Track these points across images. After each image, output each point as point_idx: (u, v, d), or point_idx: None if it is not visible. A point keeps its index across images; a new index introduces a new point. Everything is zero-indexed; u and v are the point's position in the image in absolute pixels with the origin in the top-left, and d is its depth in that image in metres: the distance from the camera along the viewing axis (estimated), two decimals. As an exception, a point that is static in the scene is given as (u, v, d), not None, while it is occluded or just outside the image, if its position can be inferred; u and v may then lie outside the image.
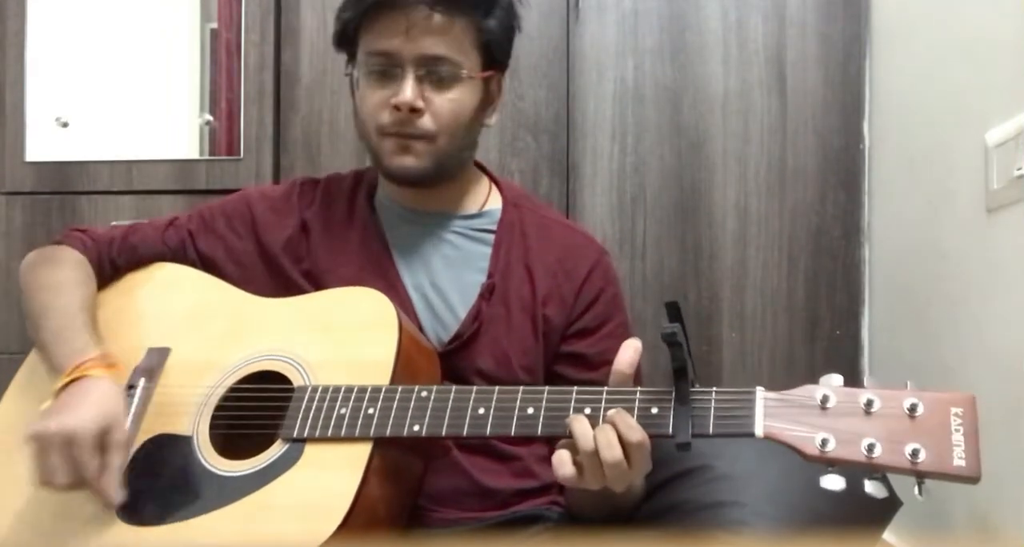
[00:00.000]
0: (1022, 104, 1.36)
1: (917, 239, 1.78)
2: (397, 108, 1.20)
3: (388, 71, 1.21)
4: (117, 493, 1.07)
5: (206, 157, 2.12)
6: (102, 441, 1.08)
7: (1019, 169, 1.35)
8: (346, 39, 1.27)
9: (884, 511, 1.27)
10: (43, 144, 2.10)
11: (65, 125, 2.11)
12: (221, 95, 2.11)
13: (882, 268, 2.00)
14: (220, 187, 2.04)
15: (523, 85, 2.07)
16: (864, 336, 2.03)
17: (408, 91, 1.19)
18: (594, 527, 1.20)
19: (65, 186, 2.09)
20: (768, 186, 2.05)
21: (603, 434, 0.96)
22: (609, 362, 1.03)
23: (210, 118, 2.13)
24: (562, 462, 0.98)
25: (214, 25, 2.13)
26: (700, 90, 2.06)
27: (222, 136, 2.11)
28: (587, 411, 0.99)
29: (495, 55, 1.27)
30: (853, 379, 2.18)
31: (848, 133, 2.05)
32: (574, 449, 0.97)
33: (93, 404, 1.09)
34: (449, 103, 1.22)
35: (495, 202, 1.34)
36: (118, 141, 2.12)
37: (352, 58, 1.28)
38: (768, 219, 2.04)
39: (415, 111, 1.20)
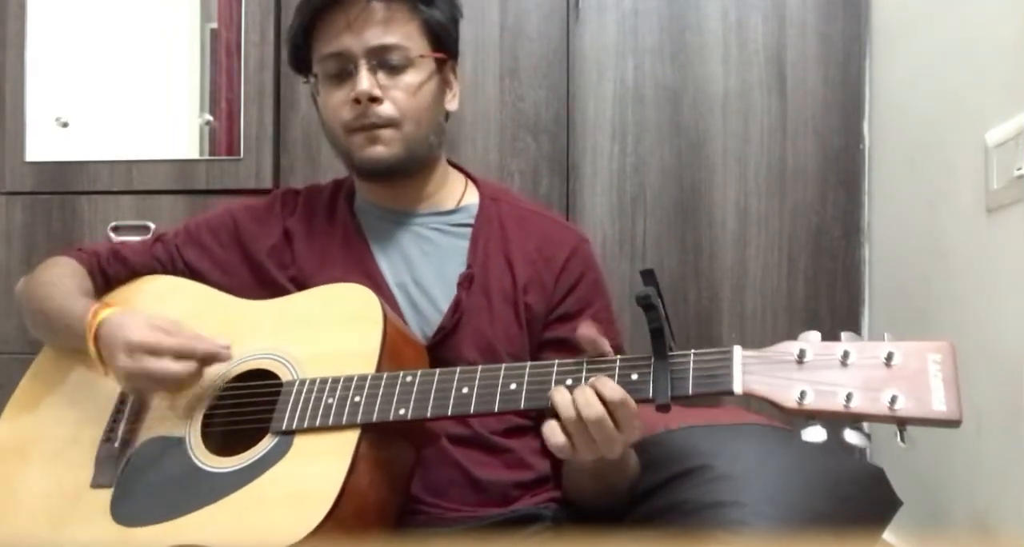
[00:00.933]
0: (1022, 104, 1.36)
1: (917, 239, 1.78)
2: (357, 101, 1.23)
3: (342, 70, 1.25)
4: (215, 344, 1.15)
5: (206, 157, 2.12)
6: (165, 330, 1.15)
7: (1019, 169, 1.35)
8: (299, 56, 1.31)
9: (884, 511, 1.27)
10: (43, 144, 2.10)
11: (65, 125, 2.11)
12: (221, 95, 2.11)
13: (882, 268, 2.00)
14: (220, 187, 2.04)
15: (523, 85, 2.07)
16: (864, 336, 2.03)
17: (364, 82, 1.23)
18: (594, 526, 1.20)
19: (65, 186, 2.08)
20: (768, 186, 2.04)
21: (581, 394, 0.98)
22: None
23: (210, 118, 2.13)
24: (553, 431, 0.99)
25: (214, 25, 2.13)
26: (700, 90, 2.06)
27: (222, 136, 2.11)
28: (568, 382, 1.01)
29: (443, 42, 1.30)
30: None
31: (848, 133, 2.04)
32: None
33: (130, 321, 1.16)
34: (406, 87, 1.25)
35: (472, 197, 1.36)
36: (118, 141, 2.11)
37: (308, 74, 1.32)
38: (768, 219, 2.04)
39: (374, 100, 1.24)
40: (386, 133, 1.25)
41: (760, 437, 1.30)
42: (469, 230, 1.32)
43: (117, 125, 2.13)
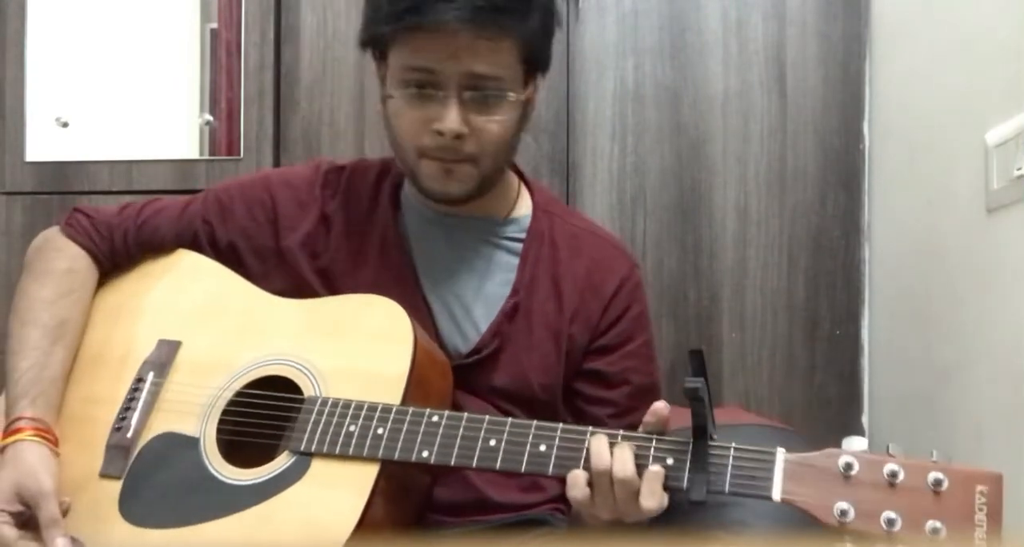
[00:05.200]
0: (1022, 104, 1.36)
1: (917, 239, 1.78)
2: (440, 133, 1.13)
3: (429, 89, 1.13)
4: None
5: (206, 157, 2.12)
6: (16, 509, 1.08)
7: (1019, 169, 1.35)
8: (376, 45, 1.19)
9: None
10: (43, 144, 2.10)
11: (65, 125, 2.11)
12: (221, 95, 2.11)
13: (882, 268, 2.00)
14: (220, 187, 2.04)
15: (523, 85, 2.06)
16: (864, 336, 2.03)
17: (454, 118, 1.12)
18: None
19: (65, 186, 2.08)
20: (768, 186, 2.04)
21: (620, 451, 0.96)
22: (627, 381, 1.02)
23: (210, 118, 2.13)
24: (576, 482, 0.97)
25: (214, 25, 2.13)
26: (700, 90, 2.05)
27: (222, 136, 2.11)
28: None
29: (537, 63, 1.20)
30: (853, 379, 2.17)
31: (848, 133, 2.04)
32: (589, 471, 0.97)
33: (6, 472, 1.10)
34: (494, 126, 1.15)
35: (525, 208, 1.29)
36: (118, 141, 2.11)
37: (382, 59, 1.20)
38: (768, 219, 2.04)
39: (459, 137, 1.13)
40: (463, 169, 1.16)
41: (760, 437, 1.30)
42: (518, 245, 1.26)
43: (117, 125, 2.13)
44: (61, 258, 1.29)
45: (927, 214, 1.73)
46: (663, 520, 1.16)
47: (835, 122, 2.04)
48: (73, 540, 1.08)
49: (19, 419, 1.14)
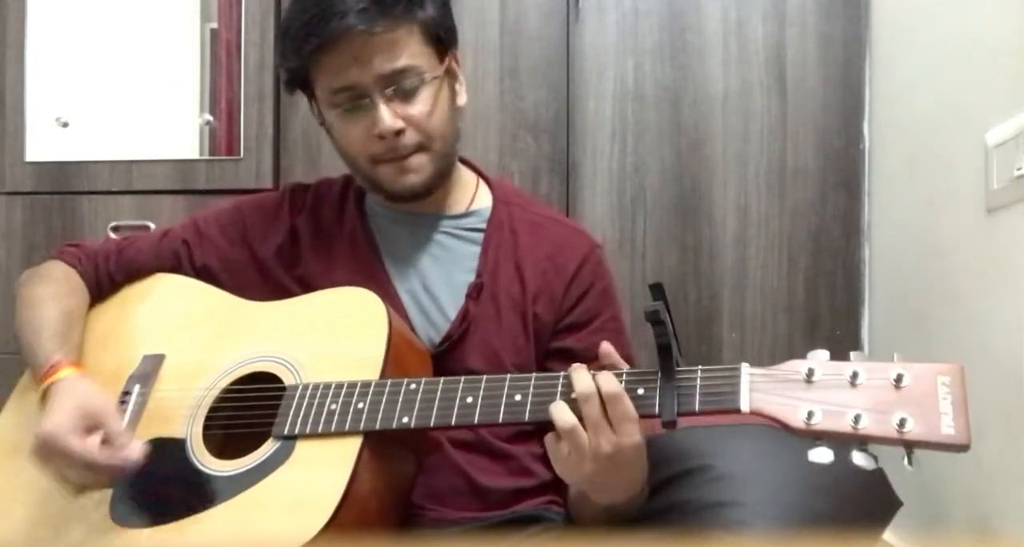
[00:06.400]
0: (1022, 104, 1.36)
1: (917, 239, 1.78)
2: (381, 136, 1.20)
3: (357, 103, 1.21)
4: (133, 453, 1.08)
5: (206, 157, 2.12)
6: (86, 425, 1.09)
7: (1019, 169, 1.35)
8: (299, 83, 1.27)
9: (884, 511, 1.27)
10: (43, 144, 2.10)
11: (65, 125, 2.11)
12: (221, 95, 2.11)
13: (882, 268, 2.00)
14: (220, 187, 2.04)
15: (523, 85, 2.07)
16: (864, 336, 2.03)
17: (385, 118, 1.19)
18: (594, 527, 1.20)
19: (65, 186, 2.09)
20: (768, 186, 2.04)
21: (601, 375, 0.98)
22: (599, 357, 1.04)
23: (210, 118, 2.13)
24: (561, 414, 0.99)
25: (214, 25, 2.13)
26: (700, 90, 2.06)
27: (222, 136, 2.11)
28: (574, 395, 1.00)
29: (444, 40, 1.26)
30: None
31: (848, 133, 2.05)
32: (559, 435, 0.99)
33: (63, 400, 1.12)
34: (424, 108, 1.22)
35: (484, 200, 1.34)
36: (118, 141, 2.11)
37: (312, 97, 1.28)
38: (768, 219, 2.04)
39: (399, 133, 1.20)
40: (415, 160, 1.22)
41: (761, 437, 1.29)
42: (480, 235, 1.30)
43: (117, 125, 2.13)
44: (57, 270, 1.35)
45: (927, 214, 1.73)
46: (664, 521, 1.16)
47: (835, 122, 2.04)
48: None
49: (58, 362, 1.18)
